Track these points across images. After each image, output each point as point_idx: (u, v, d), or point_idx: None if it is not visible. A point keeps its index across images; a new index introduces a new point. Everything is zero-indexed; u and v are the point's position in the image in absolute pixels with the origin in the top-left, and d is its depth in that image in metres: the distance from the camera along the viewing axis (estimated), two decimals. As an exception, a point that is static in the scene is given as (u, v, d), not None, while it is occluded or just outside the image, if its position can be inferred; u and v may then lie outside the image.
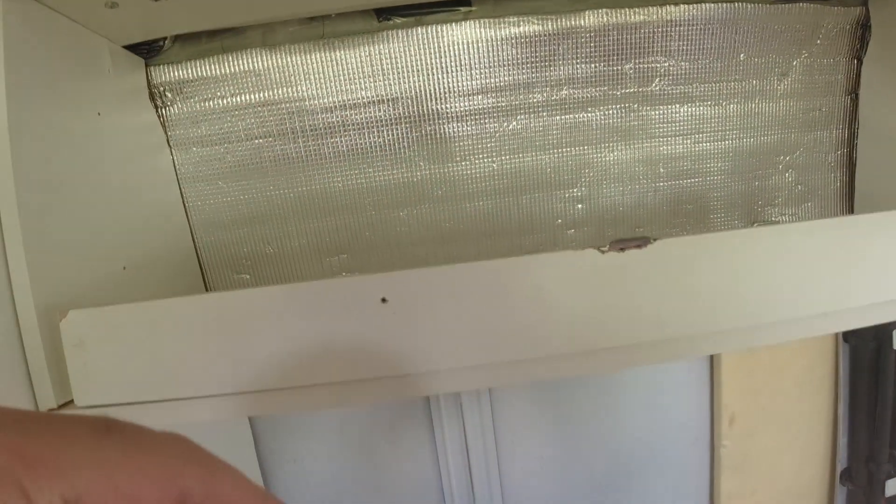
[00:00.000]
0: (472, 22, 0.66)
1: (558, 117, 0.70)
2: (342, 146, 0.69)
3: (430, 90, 0.68)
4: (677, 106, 0.72)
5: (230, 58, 0.66)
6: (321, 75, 0.67)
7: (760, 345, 0.47)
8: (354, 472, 0.86)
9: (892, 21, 0.69)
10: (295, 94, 0.67)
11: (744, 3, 0.68)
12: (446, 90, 0.68)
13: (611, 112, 0.71)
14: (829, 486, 0.91)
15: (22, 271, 0.42)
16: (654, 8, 0.67)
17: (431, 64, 0.67)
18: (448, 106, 0.68)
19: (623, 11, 0.67)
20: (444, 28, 0.66)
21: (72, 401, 0.43)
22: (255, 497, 0.22)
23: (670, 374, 0.84)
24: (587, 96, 0.70)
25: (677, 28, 0.68)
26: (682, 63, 0.70)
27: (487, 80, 0.68)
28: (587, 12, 0.67)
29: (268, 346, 0.42)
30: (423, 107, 0.68)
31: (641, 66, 0.69)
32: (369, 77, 0.67)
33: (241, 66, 0.66)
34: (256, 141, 0.68)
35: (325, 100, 0.67)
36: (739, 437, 0.85)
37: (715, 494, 0.88)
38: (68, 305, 0.42)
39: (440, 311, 0.42)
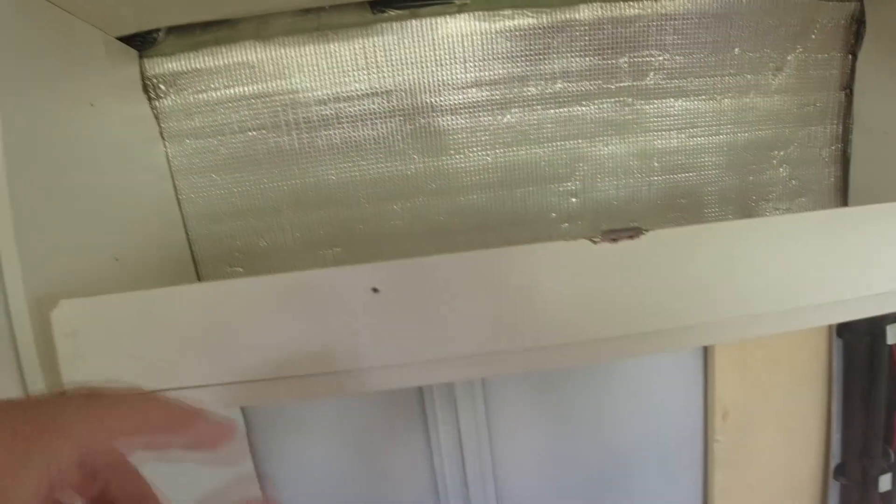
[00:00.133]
0: (466, 14, 0.66)
1: (552, 111, 0.70)
2: (336, 139, 0.68)
3: (424, 83, 0.67)
4: (672, 100, 0.72)
5: (224, 50, 0.66)
6: (315, 67, 0.66)
7: (753, 336, 0.47)
8: (348, 467, 0.85)
9: (886, 16, 0.69)
10: (288, 87, 0.67)
11: (738, -2, 0.69)
12: (440, 83, 0.68)
13: (605, 106, 0.71)
14: (822, 482, 0.91)
15: (13, 261, 0.42)
16: (649, 2, 0.67)
17: (425, 56, 0.67)
18: (442, 99, 0.68)
19: (618, 5, 0.67)
20: (439, 21, 0.66)
21: (63, 390, 0.43)
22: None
23: (664, 369, 0.84)
24: (581, 90, 0.70)
25: (672, 22, 0.68)
26: (677, 57, 0.70)
27: (482, 73, 0.68)
28: (582, 5, 0.66)
29: (259, 336, 0.42)
30: (417, 99, 0.68)
31: (636, 59, 0.69)
32: (363, 69, 0.67)
33: (235, 59, 0.66)
34: (250, 133, 0.68)
35: (319, 92, 0.67)
36: (733, 432, 0.85)
37: (708, 489, 0.88)
38: (59, 296, 0.42)
39: (432, 301, 0.42)
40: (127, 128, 0.62)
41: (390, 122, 0.68)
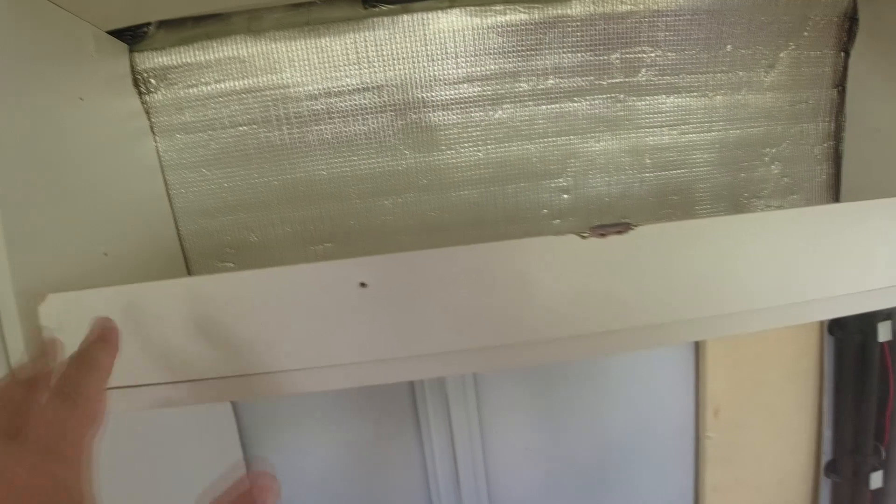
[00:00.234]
0: (458, 10, 0.65)
1: (544, 107, 0.70)
2: (327, 134, 0.68)
3: (415, 78, 0.67)
4: (664, 96, 0.72)
5: (215, 44, 0.65)
6: (306, 62, 0.66)
7: (743, 332, 0.47)
8: (340, 464, 0.86)
9: (879, 13, 0.69)
10: (279, 81, 0.67)
11: (731, -6, 0.68)
12: (432, 78, 0.68)
13: (597, 102, 0.70)
14: (813, 478, 0.92)
15: (1, 255, 0.42)
16: (641, -2, 0.67)
17: (417, 52, 0.66)
18: (434, 94, 0.68)
19: (610, 1, 0.67)
20: (430, 16, 0.65)
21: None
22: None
23: (656, 366, 0.84)
24: (573, 86, 0.69)
25: (664, 18, 0.68)
26: (669, 53, 0.70)
27: (473, 69, 0.68)
28: (574, 1, 0.66)
29: (248, 330, 0.42)
30: (408, 95, 0.68)
31: (628, 55, 0.69)
32: (354, 64, 0.66)
33: (226, 53, 0.66)
34: (241, 128, 0.68)
35: (310, 87, 0.67)
36: (724, 429, 0.86)
37: (700, 486, 0.89)
38: (48, 290, 0.42)
39: (421, 296, 0.42)
40: (117, 122, 0.61)
41: (381, 117, 0.68)
